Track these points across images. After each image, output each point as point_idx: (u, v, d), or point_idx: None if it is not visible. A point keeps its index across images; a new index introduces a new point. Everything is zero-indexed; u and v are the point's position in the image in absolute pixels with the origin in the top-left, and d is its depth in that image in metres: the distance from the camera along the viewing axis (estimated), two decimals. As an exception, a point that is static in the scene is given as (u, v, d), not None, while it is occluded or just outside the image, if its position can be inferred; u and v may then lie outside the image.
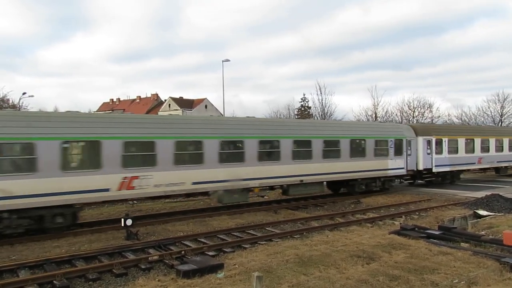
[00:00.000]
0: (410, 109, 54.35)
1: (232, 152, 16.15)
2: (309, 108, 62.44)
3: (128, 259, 9.91)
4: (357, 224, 14.36)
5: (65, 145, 12.51)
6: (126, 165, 13.38)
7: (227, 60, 38.72)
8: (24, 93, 43.61)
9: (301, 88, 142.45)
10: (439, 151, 24.18)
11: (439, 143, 24.22)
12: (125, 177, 13.33)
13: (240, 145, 16.24)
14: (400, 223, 13.97)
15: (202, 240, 11.92)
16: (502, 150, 28.76)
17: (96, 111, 79.33)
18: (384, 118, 50.14)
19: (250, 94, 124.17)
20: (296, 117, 59.73)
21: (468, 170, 28.70)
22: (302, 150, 18.16)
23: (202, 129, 15.46)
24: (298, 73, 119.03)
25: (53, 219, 12.43)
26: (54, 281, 8.34)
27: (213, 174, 15.22)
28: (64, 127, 12.58)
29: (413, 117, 53.60)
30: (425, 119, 53.67)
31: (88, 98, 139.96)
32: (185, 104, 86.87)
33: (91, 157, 13.09)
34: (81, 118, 13.52)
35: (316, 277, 8.26)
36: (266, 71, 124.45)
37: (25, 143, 11.88)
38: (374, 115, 50.96)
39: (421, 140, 23.42)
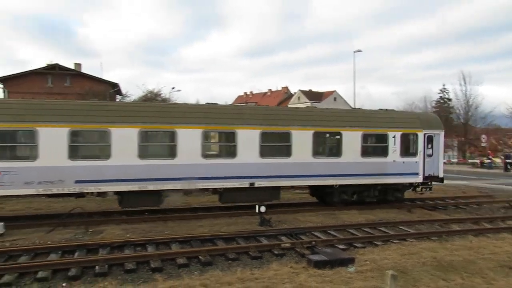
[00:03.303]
0: None
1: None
2: (449, 100, 56.80)
3: (262, 243, 10.54)
4: (509, 231, 12.68)
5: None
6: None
7: (359, 51, 37.60)
8: (173, 88, 49.29)
9: (436, 79, 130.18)
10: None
11: None
12: None
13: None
14: None
15: (332, 232, 11.97)
16: None
17: (232, 103, 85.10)
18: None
19: (377, 85, 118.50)
20: (434, 110, 54.83)
21: None
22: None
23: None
24: (433, 61, 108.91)
25: None
26: (200, 257, 9.36)
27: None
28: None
29: None
30: None
31: (222, 92, 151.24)
32: (314, 96, 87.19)
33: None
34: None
35: (457, 284, 7.63)
36: (395, 60, 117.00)
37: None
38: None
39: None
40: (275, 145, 14.86)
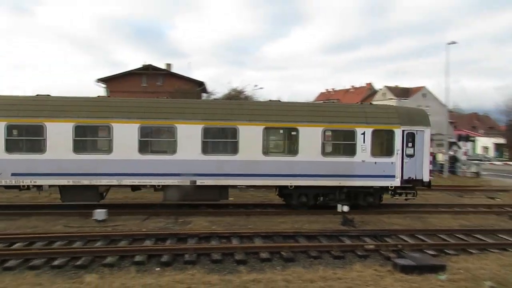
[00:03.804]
0: None
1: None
2: None
3: (345, 244, 10.35)
4: None
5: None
6: None
7: (453, 43, 34.74)
8: (256, 86, 50.26)
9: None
10: None
11: None
12: None
13: None
14: None
15: (420, 236, 11.33)
16: None
17: (313, 101, 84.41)
18: None
19: (474, 79, 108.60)
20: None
21: None
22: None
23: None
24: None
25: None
26: (282, 252, 9.49)
27: None
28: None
29: None
30: None
31: (304, 89, 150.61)
32: (401, 93, 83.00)
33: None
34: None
35: None
36: (497, 52, 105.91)
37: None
38: None
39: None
40: (220, 141, 14.19)
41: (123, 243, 10.07)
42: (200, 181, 13.44)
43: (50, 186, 13.61)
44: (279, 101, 15.72)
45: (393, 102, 73.03)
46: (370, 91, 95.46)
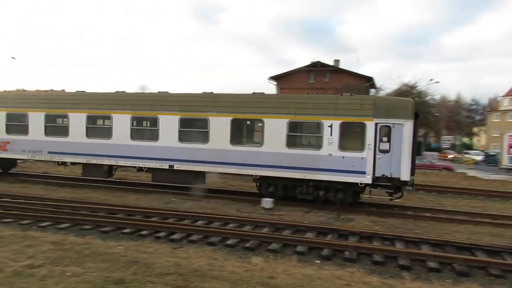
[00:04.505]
0: None
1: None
2: None
3: (538, 266, 8.64)
4: None
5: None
6: None
7: None
8: (431, 80, 46.11)
9: None
10: None
11: None
12: None
13: None
14: None
15: None
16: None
17: (503, 96, 72.65)
18: None
19: None
20: None
21: None
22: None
23: None
24: None
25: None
26: (454, 264, 8.51)
27: None
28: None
29: None
30: None
31: (491, 82, 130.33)
32: None
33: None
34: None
35: None
36: None
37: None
38: None
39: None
40: (193, 130, 15.18)
41: (287, 232, 10.59)
42: (176, 166, 15.13)
43: (72, 163, 17.05)
44: (249, 94, 15.28)
45: None
46: None
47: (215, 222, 11.38)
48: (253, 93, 15.22)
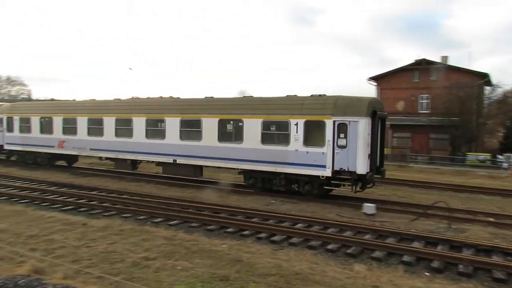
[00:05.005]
0: None
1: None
2: None
3: None
4: None
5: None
6: None
7: None
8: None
9: None
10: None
11: None
12: None
13: None
14: None
15: None
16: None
17: None
18: None
19: None
20: None
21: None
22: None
23: None
24: None
25: None
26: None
27: None
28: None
29: None
30: None
31: None
32: None
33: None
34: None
35: None
36: None
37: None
38: None
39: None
40: (190, 130, 17.51)
41: (391, 240, 10.04)
42: (179, 160, 17.77)
43: (106, 158, 20.82)
44: (231, 98, 17.97)
45: None
46: None
47: (314, 226, 11.27)
48: (236, 96, 18.21)
